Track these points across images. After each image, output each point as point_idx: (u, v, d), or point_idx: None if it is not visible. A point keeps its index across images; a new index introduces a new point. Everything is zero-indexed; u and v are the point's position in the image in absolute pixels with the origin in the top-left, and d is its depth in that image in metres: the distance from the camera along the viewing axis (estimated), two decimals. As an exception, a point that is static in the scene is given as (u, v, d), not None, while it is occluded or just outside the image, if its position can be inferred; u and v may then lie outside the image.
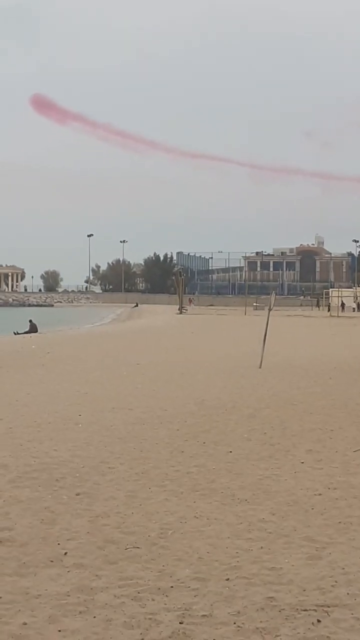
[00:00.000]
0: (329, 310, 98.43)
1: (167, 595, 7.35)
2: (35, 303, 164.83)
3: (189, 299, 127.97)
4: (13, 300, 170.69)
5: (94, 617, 6.90)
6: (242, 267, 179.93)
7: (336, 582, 7.68)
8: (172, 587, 7.56)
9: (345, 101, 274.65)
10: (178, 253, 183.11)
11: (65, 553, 8.44)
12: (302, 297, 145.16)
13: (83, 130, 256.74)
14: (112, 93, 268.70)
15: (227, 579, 7.74)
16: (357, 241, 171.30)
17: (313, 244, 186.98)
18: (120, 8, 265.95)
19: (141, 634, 6.63)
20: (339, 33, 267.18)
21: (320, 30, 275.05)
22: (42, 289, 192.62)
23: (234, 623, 6.78)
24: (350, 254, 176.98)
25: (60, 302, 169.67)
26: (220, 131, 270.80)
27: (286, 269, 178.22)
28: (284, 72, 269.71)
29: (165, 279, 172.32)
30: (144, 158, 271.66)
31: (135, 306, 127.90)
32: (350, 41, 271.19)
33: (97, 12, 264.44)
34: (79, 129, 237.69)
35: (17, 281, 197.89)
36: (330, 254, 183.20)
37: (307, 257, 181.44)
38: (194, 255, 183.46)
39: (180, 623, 6.78)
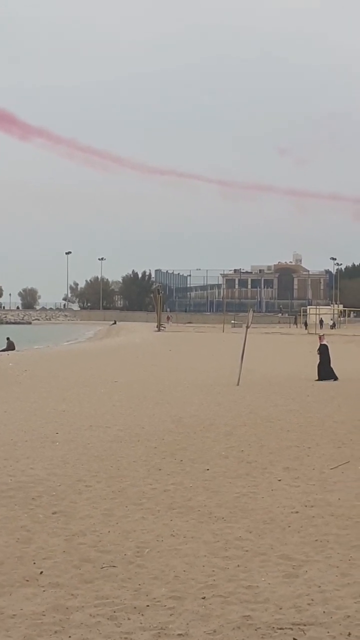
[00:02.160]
0: (306, 327, 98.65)
1: (143, 614, 7.33)
2: (12, 320, 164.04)
3: (167, 316, 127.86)
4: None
5: (70, 636, 6.86)
6: (220, 284, 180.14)
7: (312, 600, 7.67)
8: (148, 606, 7.53)
9: (319, 118, 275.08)
10: (156, 271, 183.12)
11: (41, 572, 8.40)
12: (280, 315, 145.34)
13: (47, 146, 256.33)
14: (76, 110, 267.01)
15: (204, 598, 7.72)
16: (335, 259, 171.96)
17: (291, 262, 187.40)
18: (91, 24, 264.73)
19: (117, 653, 6.60)
20: (315, 51, 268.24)
21: (297, 48, 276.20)
22: (20, 307, 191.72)
23: (210, 642, 6.76)
24: (328, 272, 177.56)
25: (38, 319, 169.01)
26: (192, 148, 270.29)
27: (264, 287, 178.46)
28: (258, 90, 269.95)
29: (144, 296, 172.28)
30: (112, 175, 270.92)
31: (113, 324, 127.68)
32: (326, 59, 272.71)
33: (66, 30, 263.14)
34: (43, 145, 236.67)
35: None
36: (308, 271, 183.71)
37: (285, 275, 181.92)
38: (172, 272, 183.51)
39: (156, 642, 6.75)
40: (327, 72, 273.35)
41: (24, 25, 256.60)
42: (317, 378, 30.05)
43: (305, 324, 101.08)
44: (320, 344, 31.04)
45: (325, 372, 30.20)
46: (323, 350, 30.76)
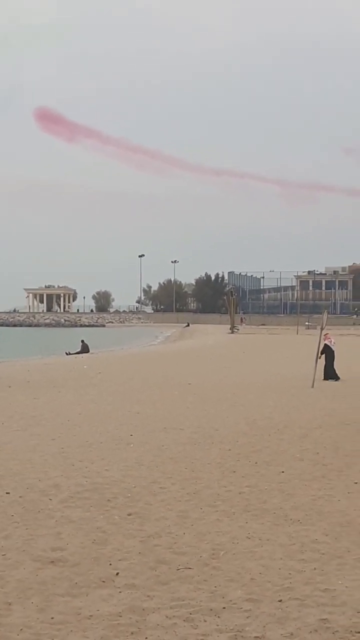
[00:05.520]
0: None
1: (219, 617, 7.30)
2: (87, 323, 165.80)
3: (241, 318, 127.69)
4: (65, 320, 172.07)
5: (146, 638, 6.87)
6: (294, 286, 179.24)
7: (391, 604, 7.56)
8: (224, 608, 7.50)
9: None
10: (229, 273, 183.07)
11: (117, 573, 8.43)
12: (354, 316, 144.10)
13: (97, 148, 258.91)
14: (128, 111, 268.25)
15: (280, 600, 7.66)
16: None
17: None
18: (140, 26, 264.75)
19: (193, 655, 6.58)
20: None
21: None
22: (94, 310, 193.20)
23: (287, 645, 6.71)
24: None
25: (112, 322, 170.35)
26: (253, 149, 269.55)
27: (338, 288, 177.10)
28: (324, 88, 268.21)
29: (217, 298, 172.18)
30: (175, 177, 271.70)
31: (186, 326, 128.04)
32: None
33: (116, 30, 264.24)
34: (93, 147, 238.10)
35: (69, 302, 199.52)
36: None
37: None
38: (245, 274, 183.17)
39: (232, 645, 6.72)
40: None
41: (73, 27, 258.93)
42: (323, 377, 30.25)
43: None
44: (325, 344, 30.79)
45: (328, 372, 30.35)
46: (326, 350, 30.64)
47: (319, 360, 30.22)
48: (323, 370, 30.47)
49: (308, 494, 11.96)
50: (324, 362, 30.65)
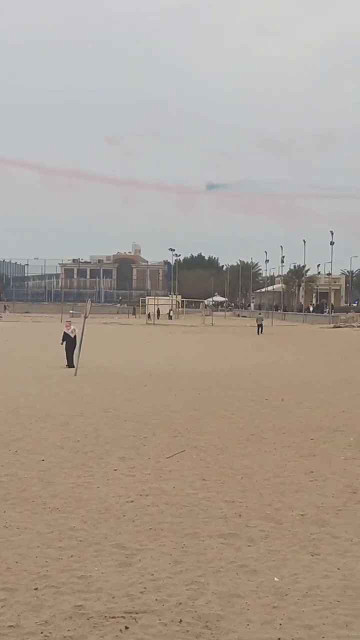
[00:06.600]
0: (150, 317, 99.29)
1: (-27, 608, 7.20)
2: None
3: (4, 306, 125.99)
4: None
5: None
6: (59, 274, 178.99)
7: (145, 588, 7.72)
8: (-22, 599, 7.41)
9: (147, 109, 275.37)
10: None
11: None
12: (118, 305, 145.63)
13: None
14: None
15: (36, 589, 7.65)
16: (173, 250, 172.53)
17: (130, 252, 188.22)
18: None
19: None
20: (149, 41, 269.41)
21: (131, 37, 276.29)
22: None
23: (42, 633, 6.71)
24: (166, 263, 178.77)
25: None
26: (14, 135, 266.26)
27: (103, 277, 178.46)
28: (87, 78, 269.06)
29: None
30: None
31: None
32: (157, 51, 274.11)
33: None
34: None
35: None
36: (147, 262, 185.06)
37: (124, 265, 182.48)
38: (9, 261, 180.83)
39: (-14, 636, 6.65)
40: (157, 64, 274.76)
41: None
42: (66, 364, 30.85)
43: (149, 315, 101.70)
44: (64, 332, 31.44)
45: (70, 359, 30.85)
46: (66, 338, 31.32)
47: (61, 346, 31.06)
48: (66, 358, 30.89)
49: (68, 481, 12.00)
50: (65, 350, 31.05)
